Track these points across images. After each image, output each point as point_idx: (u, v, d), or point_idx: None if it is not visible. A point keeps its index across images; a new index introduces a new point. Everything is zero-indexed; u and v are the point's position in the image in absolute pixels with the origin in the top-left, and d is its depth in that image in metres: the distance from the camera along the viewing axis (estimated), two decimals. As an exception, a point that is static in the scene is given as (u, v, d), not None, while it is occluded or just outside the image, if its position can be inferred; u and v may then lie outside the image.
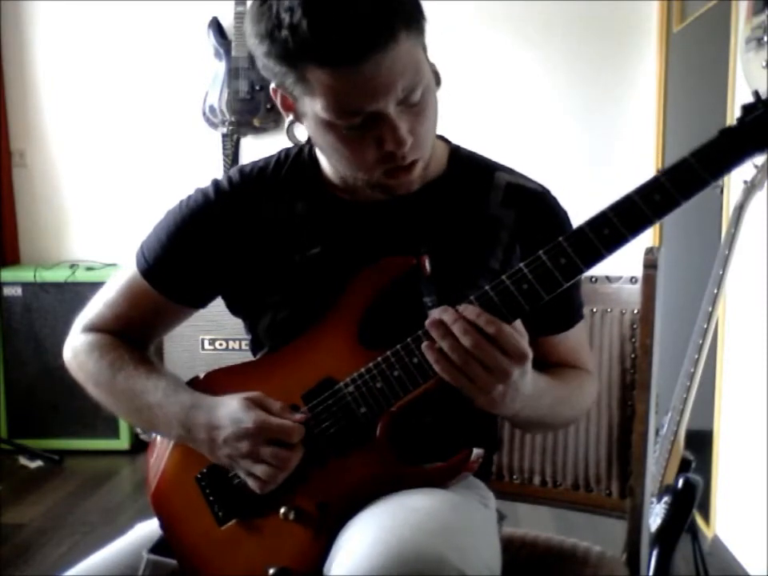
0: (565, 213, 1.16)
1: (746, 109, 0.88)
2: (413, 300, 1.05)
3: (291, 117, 1.07)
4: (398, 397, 1.02)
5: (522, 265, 0.94)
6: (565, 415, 1.17)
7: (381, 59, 0.93)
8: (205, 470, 1.10)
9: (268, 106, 3.59)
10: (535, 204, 1.14)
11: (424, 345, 0.95)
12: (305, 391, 1.06)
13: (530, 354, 0.94)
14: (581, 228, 0.93)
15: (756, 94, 0.89)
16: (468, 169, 1.15)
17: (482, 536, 1.03)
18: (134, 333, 1.19)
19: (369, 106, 0.97)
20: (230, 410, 1.04)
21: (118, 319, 1.19)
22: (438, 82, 1.06)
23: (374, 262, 1.07)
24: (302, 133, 1.11)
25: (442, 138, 1.17)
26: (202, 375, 1.15)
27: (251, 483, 1.04)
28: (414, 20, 0.97)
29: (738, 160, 0.89)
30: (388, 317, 1.06)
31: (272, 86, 1.05)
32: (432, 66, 1.05)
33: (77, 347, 1.19)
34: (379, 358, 1.02)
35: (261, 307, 1.16)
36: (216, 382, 1.13)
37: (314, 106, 0.99)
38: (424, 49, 1.02)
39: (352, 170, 1.07)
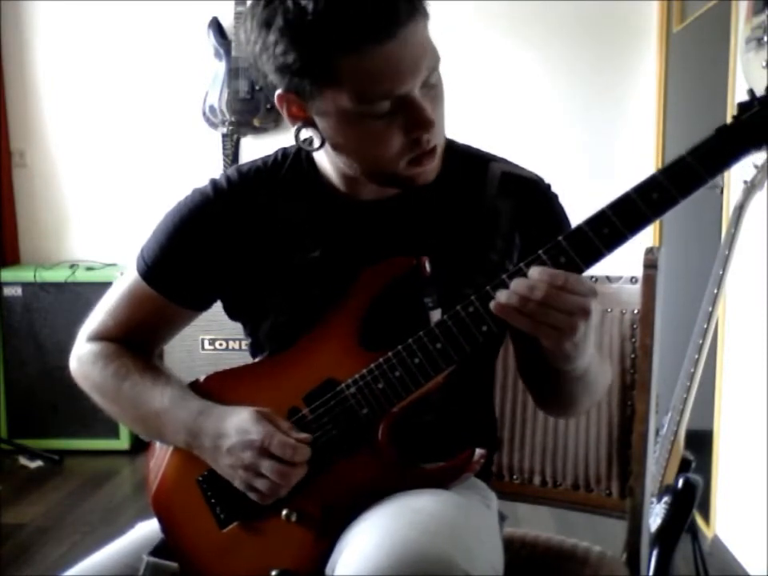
0: (560, 202, 1.16)
1: (742, 106, 0.89)
2: (413, 300, 1.05)
3: (299, 124, 1.06)
4: (399, 397, 1.02)
5: (521, 265, 0.94)
6: (601, 384, 1.14)
7: (406, 36, 0.94)
8: (206, 473, 1.09)
9: (268, 106, 3.59)
10: (531, 191, 1.13)
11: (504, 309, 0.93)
12: (306, 393, 1.06)
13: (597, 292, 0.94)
14: (580, 227, 0.93)
15: (751, 92, 0.89)
16: (463, 162, 1.15)
17: (486, 536, 1.04)
18: (137, 339, 1.19)
19: (398, 88, 0.97)
20: (239, 420, 1.03)
21: (121, 326, 1.18)
22: None
23: (374, 263, 1.07)
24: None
25: None
26: (202, 378, 1.14)
27: (251, 495, 1.03)
28: (423, 1, 0.99)
29: (734, 157, 0.89)
30: (388, 318, 1.06)
31: (278, 92, 1.02)
32: None
33: (81, 357, 1.19)
34: (380, 359, 1.02)
35: (261, 310, 1.15)
36: (217, 385, 1.12)
37: (338, 99, 0.98)
38: None
39: (376, 164, 1.05)
